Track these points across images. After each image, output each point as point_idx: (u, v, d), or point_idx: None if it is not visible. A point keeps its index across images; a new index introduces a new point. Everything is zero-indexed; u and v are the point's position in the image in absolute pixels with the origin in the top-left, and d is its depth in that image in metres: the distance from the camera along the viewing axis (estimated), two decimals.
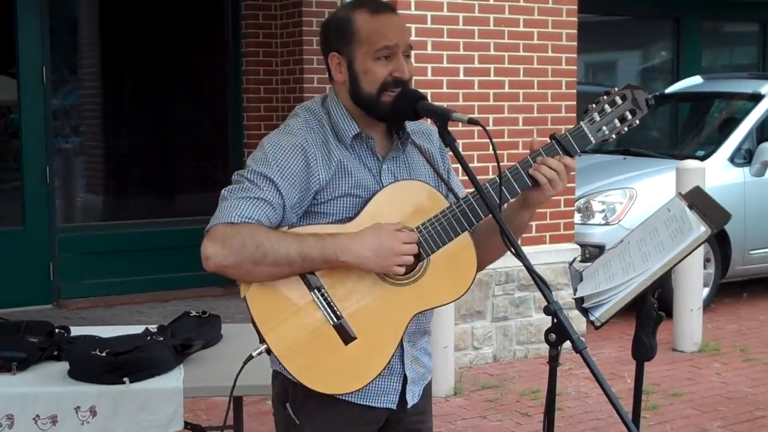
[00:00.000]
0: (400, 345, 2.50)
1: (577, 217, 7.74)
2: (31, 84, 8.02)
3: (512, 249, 2.33)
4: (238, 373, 2.46)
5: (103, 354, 3.39)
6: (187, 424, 3.56)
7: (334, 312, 2.38)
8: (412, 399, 2.59)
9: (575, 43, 6.93)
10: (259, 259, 2.32)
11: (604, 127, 2.52)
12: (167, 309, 7.85)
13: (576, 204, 7.67)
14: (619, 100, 2.53)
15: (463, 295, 2.52)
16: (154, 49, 8.88)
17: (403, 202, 2.47)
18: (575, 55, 6.95)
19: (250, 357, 2.43)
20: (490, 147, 2.37)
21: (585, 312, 2.44)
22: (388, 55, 2.46)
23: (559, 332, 2.26)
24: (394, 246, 2.35)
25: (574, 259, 2.80)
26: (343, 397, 2.47)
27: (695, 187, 2.66)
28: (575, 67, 6.98)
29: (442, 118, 2.41)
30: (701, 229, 2.30)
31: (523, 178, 2.46)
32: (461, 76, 6.49)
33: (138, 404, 3.33)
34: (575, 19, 6.92)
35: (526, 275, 6.53)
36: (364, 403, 2.51)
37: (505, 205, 2.50)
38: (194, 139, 9.20)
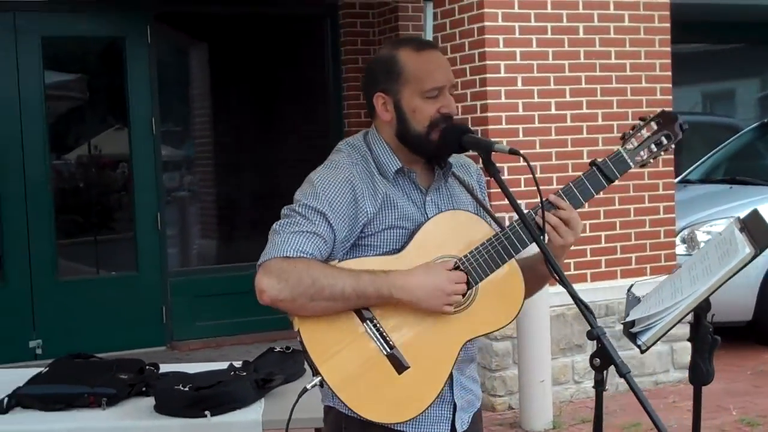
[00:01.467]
0: (450, 373, 2.55)
1: (682, 248, 7.64)
2: (141, 135, 8.40)
3: (555, 275, 2.37)
4: (294, 406, 2.52)
5: (186, 389, 3.52)
6: None
7: (386, 342, 2.43)
8: (461, 426, 2.62)
9: (669, 73, 6.88)
10: (314, 294, 2.38)
11: (642, 152, 2.55)
12: None
13: (680, 235, 7.57)
14: (654, 126, 2.57)
15: (511, 321, 2.55)
16: (258, 94, 9.15)
17: (449, 231, 2.52)
18: (670, 85, 6.90)
19: (305, 390, 2.49)
20: (533, 178, 2.41)
21: (632, 336, 2.45)
22: (435, 96, 2.52)
23: (603, 357, 2.27)
24: (445, 287, 2.40)
25: (632, 285, 2.80)
26: (397, 428, 2.51)
27: (752, 210, 2.65)
28: (670, 97, 6.92)
29: (486, 149, 2.47)
30: (746, 251, 2.30)
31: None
32: (552, 110, 6.50)
33: None
34: (668, 48, 6.87)
35: None
36: None
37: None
38: (301, 181, 9.38)
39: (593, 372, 2.32)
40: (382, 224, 2.51)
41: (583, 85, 6.61)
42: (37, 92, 8.10)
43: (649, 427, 5.87)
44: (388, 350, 2.43)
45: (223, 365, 3.92)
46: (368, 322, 2.44)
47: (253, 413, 3.51)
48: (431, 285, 2.40)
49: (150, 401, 3.60)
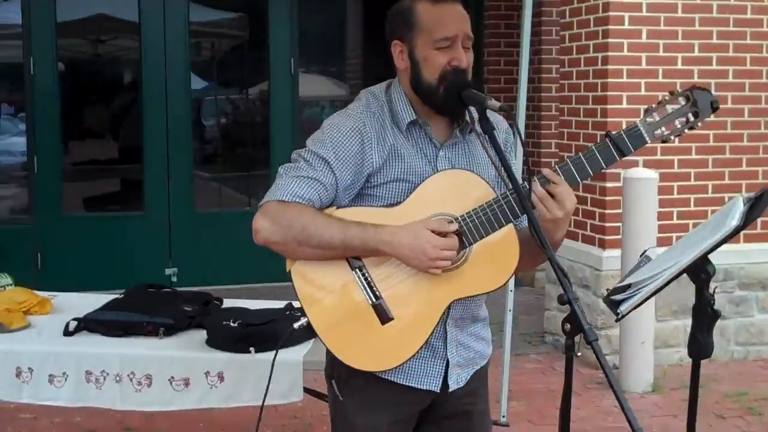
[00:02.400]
0: (444, 329, 2.55)
1: None
2: (280, 74, 8.60)
3: (536, 238, 2.31)
4: (281, 342, 2.59)
5: (235, 324, 3.63)
6: (311, 391, 3.73)
7: (373, 292, 2.45)
8: (455, 383, 2.62)
9: None
10: (303, 240, 2.43)
11: (663, 128, 2.43)
12: None
13: None
14: (682, 101, 2.45)
15: (501, 286, 2.52)
16: None
17: (449, 190, 2.49)
18: None
19: (293, 330, 2.55)
20: (520, 141, 2.35)
21: (611, 304, 2.38)
22: (449, 46, 2.49)
23: (573, 323, 2.22)
24: (429, 253, 2.38)
25: (645, 250, 2.70)
26: (386, 377, 2.54)
27: (763, 190, 2.49)
28: None
29: (481, 105, 2.42)
30: (732, 223, 2.19)
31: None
32: (679, 65, 6.25)
33: (261, 373, 3.52)
34: None
35: (748, 273, 6.33)
36: (407, 384, 2.57)
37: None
38: None
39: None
40: (388, 176, 2.51)
41: (714, 40, 6.32)
42: (181, 28, 8.39)
43: (759, 397, 5.68)
44: (374, 300, 2.45)
45: (281, 304, 4.02)
46: (358, 270, 2.46)
47: (296, 353, 3.59)
48: (417, 247, 2.39)
49: (204, 334, 3.74)
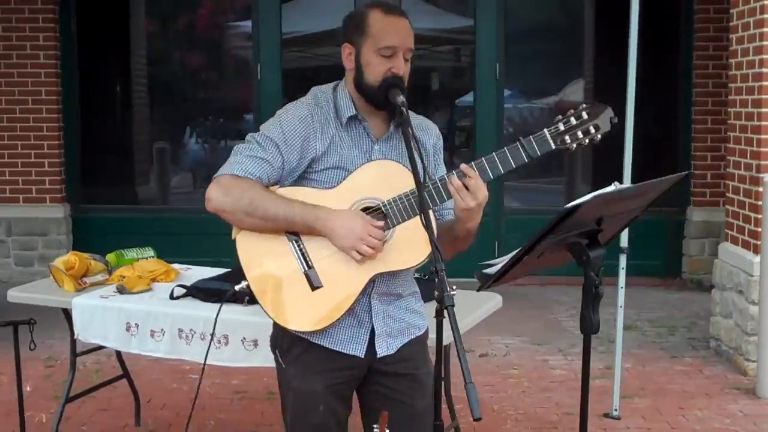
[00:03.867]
0: (368, 301, 2.90)
1: None
2: (485, 79, 9.00)
3: (421, 217, 2.63)
4: (222, 300, 3.10)
5: None
6: None
7: (306, 261, 2.83)
8: (385, 350, 2.94)
9: None
10: (250, 211, 2.81)
11: (567, 137, 2.67)
12: None
13: None
14: (585, 115, 2.67)
15: (413, 267, 2.81)
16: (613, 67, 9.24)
17: (378, 178, 2.83)
18: None
19: (234, 292, 2.99)
20: (412, 138, 2.67)
21: (483, 277, 2.66)
22: (391, 55, 2.84)
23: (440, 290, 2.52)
24: (359, 232, 2.73)
25: None
26: (319, 342, 2.91)
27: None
28: None
29: (393, 102, 2.78)
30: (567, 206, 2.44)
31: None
32: None
33: None
34: None
35: None
36: (334, 349, 2.92)
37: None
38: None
39: None
40: (326, 164, 2.88)
41: None
42: None
43: None
44: (306, 269, 2.83)
45: None
46: (294, 242, 2.84)
47: None
48: (350, 229, 2.74)
49: None
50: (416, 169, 2.71)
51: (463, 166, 2.74)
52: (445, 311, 2.49)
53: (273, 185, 2.91)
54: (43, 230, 9.13)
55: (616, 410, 5.38)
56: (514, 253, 2.62)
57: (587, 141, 2.67)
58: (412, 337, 3.03)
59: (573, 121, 2.67)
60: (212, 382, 5.92)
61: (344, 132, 2.91)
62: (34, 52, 8.98)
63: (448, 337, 3.93)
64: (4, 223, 9.15)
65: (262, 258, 2.88)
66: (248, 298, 4.26)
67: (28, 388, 5.76)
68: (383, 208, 2.80)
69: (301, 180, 2.92)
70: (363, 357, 2.94)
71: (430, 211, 2.75)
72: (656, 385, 5.96)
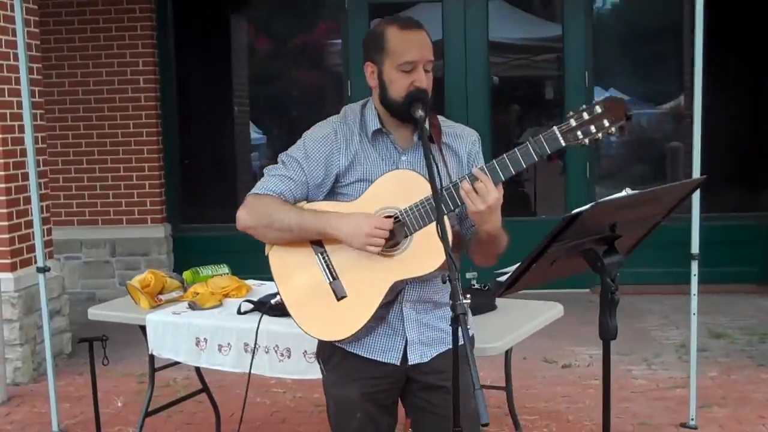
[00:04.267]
0: (400, 310, 2.97)
1: None
2: (575, 85, 9.00)
3: (438, 228, 2.68)
4: (262, 313, 3.19)
5: None
6: None
7: (331, 273, 2.95)
8: (417, 358, 3.01)
9: None
10: (268, 224, 2.96)
11: (579, 132, 2.67)
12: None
13: None
14: (598, 109, 2.66)
15: (432, 272, 2.84)
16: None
17: (396, 188, 2.91)
18: None
19: (270, 305, 3.11)
20: (428, 148, 2.74)
21: (494, 285, 2.70)
22: (411, 69, 2.91)
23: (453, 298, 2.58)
24: (364, 228, 2.84)
25: None
26: (355, 351, 3.01)
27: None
28: None
29: (412, 115, 2.87)
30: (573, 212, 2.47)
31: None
32: None
33: None
34: None
35: None
36: (371, 358, 3.01)
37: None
38: None
39: None
40: (352, 177, 2.99)
41: None
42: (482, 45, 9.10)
43: None
44: (332, 280, 2.94)
45: None
46: (319, 254, 2.97)
47: None
48: (357, 227, 2.85)
49: None
50: (433, 178, 2.75)
51: (474, 169, 2.78)
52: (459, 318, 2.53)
53: (299, 201, 3.02)
54: (145, 250, 9.46)
55: (692, 420, 5.30)
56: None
57: (601, 135, 2.66)
58: (447, 347, 3.05)
59: (585, 116, 2.67)
60: (294, 396, 6.07)
61: (370, 146, 3.01)
62: (135, 77, 9.34)
63: (502, 346, 4.08)
64: (108, 244, 9.51)
65: (291, 271, 3.01)
66: None
67: (119, 404, 6.01)
68: (401, 217, 2.88)
69: (331, 195, 3.03)
70: (398, 365, 3.01)
71: (446, 218, 2.78)
72: (739, 394, 5.85)
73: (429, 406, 3.06)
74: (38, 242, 5.82)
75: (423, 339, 3.04)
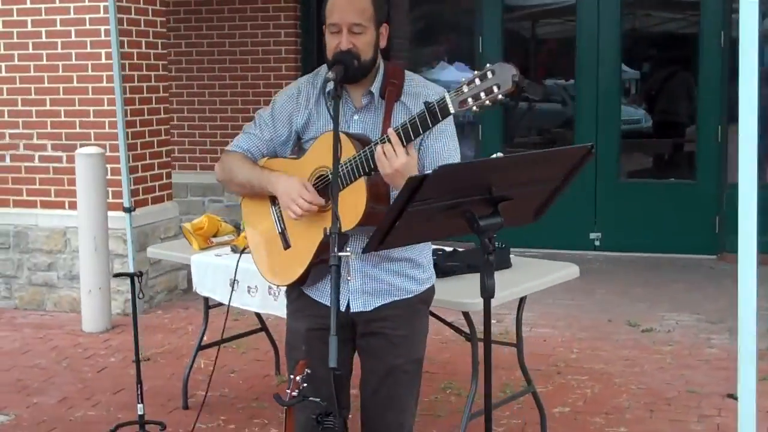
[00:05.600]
0: (347, 260, 3.01)
1: None
2: (710, 48, 8.71)
3: (331, 192, 2.82)
4: (239, 259, 3.76)
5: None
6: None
7: (281, 224, 3.20)
8: (359, 306, 3.17)
9: None
10: (231, 179, 3.27)
11: (469, 99, 2.68)
12: None
13: None
14: (489, 75, 2.66)
15: (352, 227, 2.94)
16: None
17: (329, 148, 2.95)
18: None
19: (243, 250, 3.42)
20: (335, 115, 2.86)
21: None
22: (337, 31, 3.05)
23: None
24: (293, 196, 3.02)
25: None
26: (307, 292, 3.24)
27: None
28: None
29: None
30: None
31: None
32: None
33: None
34: None
35: None
36: (317, 300, 3.22)
37: None
38: None
39: None
40: (309, 135, 3.19)
41: None
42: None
43: None
44: (280, 230, 3.20)
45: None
46: (274, 207, 3.23)
47: None
48: (287, 191, 3.05)
49: None
50: (337, 143, 2.86)
51: (389, 130, 2.86)
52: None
53: (268, 157, 3.27)
54: None
55: None
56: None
57: (488, 102, 2.66)
58: (396, 298, 3.20)
59: (477, 82, 2.67)
60: None
61: (326, 105, 3.14)
62: (278, 65, 9.88)
63: (519, 292, 4.19)
64: None
65: (254, 219, 3.34)
66: None
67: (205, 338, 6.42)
68: (330, 176, 3.02)
69: (300, 152, 3.26)
70: (342, 311, 3.12)
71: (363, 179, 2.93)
72: None
73: (369, 348, 3.24)
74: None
75: (366, 289, 3.18)
